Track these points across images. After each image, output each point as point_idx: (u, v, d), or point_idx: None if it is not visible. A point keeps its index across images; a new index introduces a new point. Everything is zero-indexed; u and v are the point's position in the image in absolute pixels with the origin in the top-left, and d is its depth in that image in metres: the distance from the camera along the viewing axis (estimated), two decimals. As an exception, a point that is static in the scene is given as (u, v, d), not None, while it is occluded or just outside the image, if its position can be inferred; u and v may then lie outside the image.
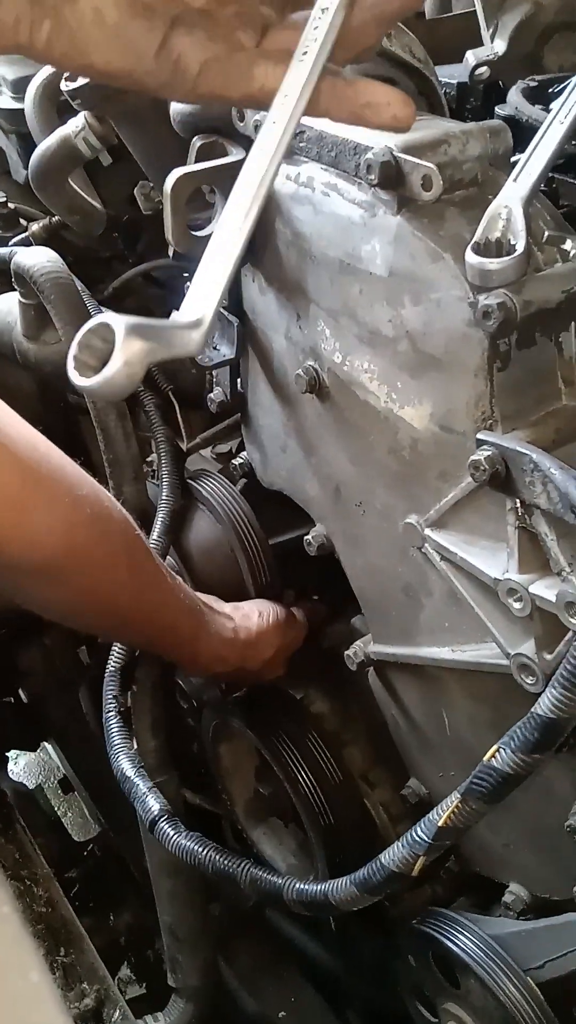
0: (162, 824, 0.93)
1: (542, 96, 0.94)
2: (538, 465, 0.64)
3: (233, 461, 1.10)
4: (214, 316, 0.58)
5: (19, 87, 1.33)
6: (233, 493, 1.09)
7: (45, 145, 1.15)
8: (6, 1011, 0.40)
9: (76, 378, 0.53)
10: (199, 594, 0.99)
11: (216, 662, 0.98)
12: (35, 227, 1.38)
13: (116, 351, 0.51)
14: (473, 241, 0.68)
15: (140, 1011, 1.19)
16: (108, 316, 0.53)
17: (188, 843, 0.90)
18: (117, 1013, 1.21)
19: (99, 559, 0.81)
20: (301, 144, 0.81)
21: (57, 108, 1.26)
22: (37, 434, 0.75)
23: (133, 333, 0.51)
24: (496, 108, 0.92)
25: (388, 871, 0.72)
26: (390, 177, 0.72)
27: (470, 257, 0.67)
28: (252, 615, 1.01)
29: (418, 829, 0.70)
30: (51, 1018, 0.40)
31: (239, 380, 1.01)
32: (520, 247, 0.67)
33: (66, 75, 1.07)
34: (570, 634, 0.66)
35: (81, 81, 1.03)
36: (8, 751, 1.85)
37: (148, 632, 0.93)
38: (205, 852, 0.89)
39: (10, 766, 1.97)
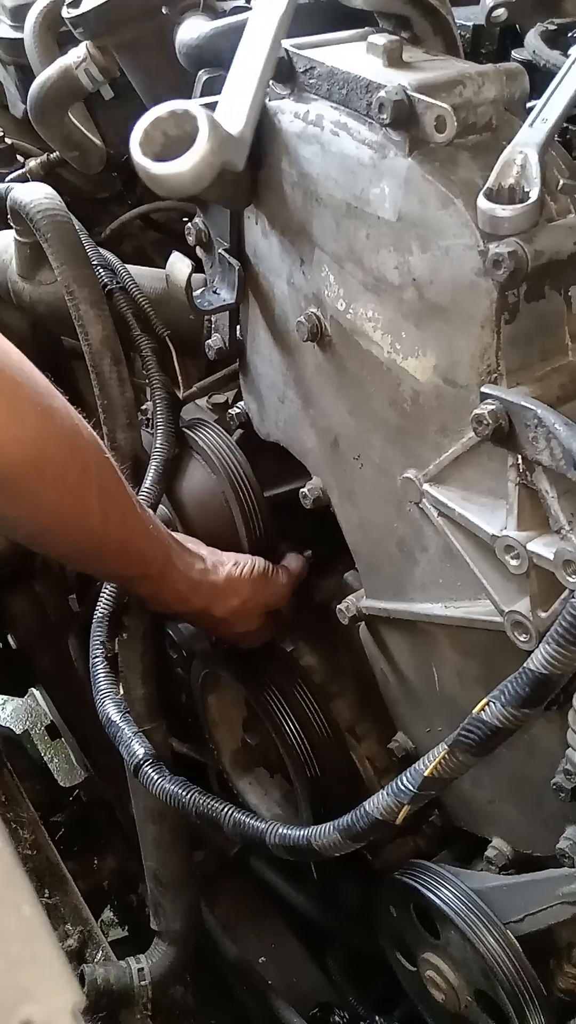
0: (146, 768, 0.93)
1: (561, 40, 0.91)
2: (542, 420, 0.63)
3: (230, 411, 1.09)
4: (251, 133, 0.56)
5: (18, 15, 1.29)
6: (229, 443, 1.08)
7: (45, 75, 1.11)
8: (-1, 944, 0.40)
9: (151, 164, 0.51)
10: (175, 533, 0.98)
11: (179, 601, 0.97)
12: (32, 163, 1.34)
13: (202, 136, 0.50)
14: (486, 187, 0.66)
15: (122, 953, 1.21)
16: (185, 103, 0.52)
17: (172, 787, 0.91)
18: (100, 954, 1.23)
19: (67, 474, 0.79)
20: (311, 81, 0.78)
21: (58, 38, 1.22)
22: (8, 344, 0.73)
23: (216, 125, 0.50)
24: (513, 52, 0.89)
25: (372, 818, 0.73)
26: (402, 117, 0.69)
27: (482, 203, 0.65)
28: (226, 563, 0.99)
29: (404, 778, 0.70)
30: (43, 951, 0.40)
31: (238, 327, 0.99)
32: (534, 195, 0.65)
33: (67, 2, 1.03)
34: (566, 592, 0.66)
35: (84, 7, 0.99)
36: (-4, 696, 1.85)
37: (114, 560, 0.92)
38: (189, 796, 0.89)
39: (-2, 711, 1.98)
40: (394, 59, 0.75)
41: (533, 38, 0.89)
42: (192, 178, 0.55)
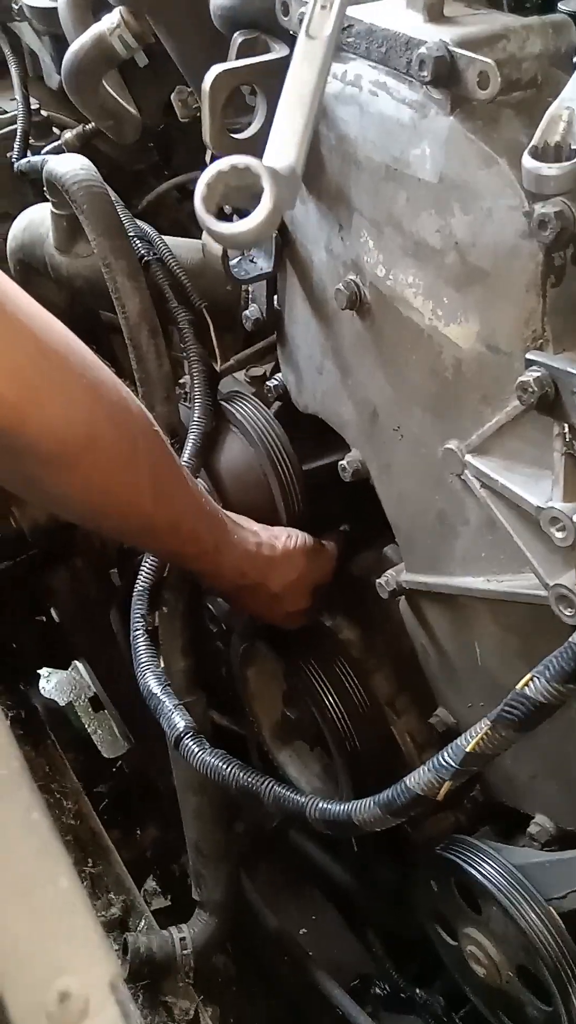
0: (187, 741, 0.93)
1: (610, -9, 0.87)
2: (590, 388, 0.61)
3: (267, 383, 1.07)
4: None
5: (52, -16, 1.27)
6: (267, 416, 1.07)
7: (79, 43, 1.10)
8: (36, 916, 0.40)
9: (216, 224, 0.55)
10: (230, 512, 0.98)
11: (237, 575, 0.96)
12: (68, 135, 1.34)
13: (266, 197, 0.52)
14: (531, 145, 0.63)
15: (164, 922, 1.23)
16: (246, 158, 0.54)
17: (212, 759, 0.91)
18: (142, 923, 1.25)
19: (118, 451, 0.78)
20: (349, 39, 0.76)
21: (92, 6, 1.21)
22: (54, 319, 0.72)
23: (277, 180, 0.52)
24: (560, 3, 0.86)
25: (413, 794, 0.72)
26: (444, 74, 0.67)
27: (527, 162, 0.63)
28: (281, 536, 0.99)
29: (446, 754, 0.70)
30: (80, 924, 0.40)
31: (275, 297, 0.98)
32: (581, 152, 0.63)
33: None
34: (614, 565, 0.64)
35: (116, -27, 0.97)
36: (40, 669, 1.88)
37: (169, 537, 0.91)
38: (229, 769, 0.89)
39: (42, 683, 2.01)
40: (435, 14, 0.72)
41: (581, -11, 0.86)
42: (256, 236, 0.57)
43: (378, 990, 1.15)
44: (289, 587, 1.00)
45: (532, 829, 0.86)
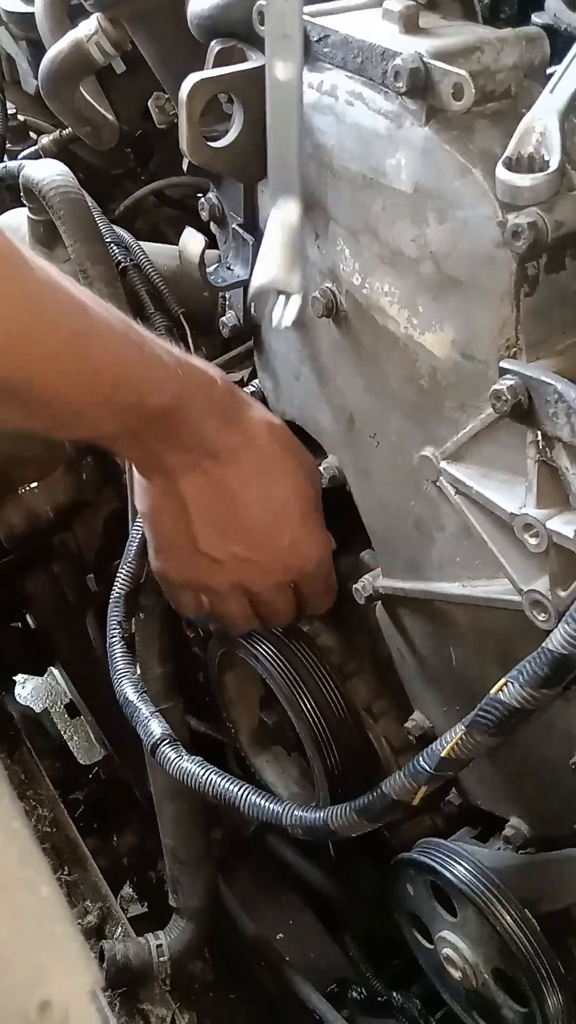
0: (163, 748, 0.93)
1: (583, 4, 0.89)
2: (563, 396, 0.62)
3: (245, 389, 1.08)
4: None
5: (29, -12, 1.27)
6: (244, 422, 1.07)
7: (56, 49, 1.10)
8: (18, 924, 0.40)
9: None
10: None
11: (215, 408, 0.84)
12: (45, 140, 1.33)
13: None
14: (504, 156, 0.65)
15: (141, 929, 1.22)
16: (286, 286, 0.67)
17: (189, 766, 0.91)
18: (119, 930, 1.24)
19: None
20: (325, 50, 0.77)
21: (69, 12, 1.21)
22: None
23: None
24: (533, 15, 0.87)
25: (389, 799, 0.72)
26: (419, 85, 0.67)
27: (501, 173, 0.64)
28: None
29: (421, 759, 0.70)
30: (60, 932, 0.40)
31: (253, 303, 0.98)
32: (554, 163, 0.64)
33: (78, -26, 1.01)
34: (586, 571, 0.65)
35: (94, -20, 0.97)
36: (15, 675, 1.87)
37: (117, 370, 0.75)
38: (206, 775, 0.89)
39: (17, 690, 1.99)
40: (410, 25, 0.73)
41: (554, 1, 0.87)
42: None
43: (355, 994, 1.15)
44: (274, 440, 0.89)
45: (507, 832, 0.87)
